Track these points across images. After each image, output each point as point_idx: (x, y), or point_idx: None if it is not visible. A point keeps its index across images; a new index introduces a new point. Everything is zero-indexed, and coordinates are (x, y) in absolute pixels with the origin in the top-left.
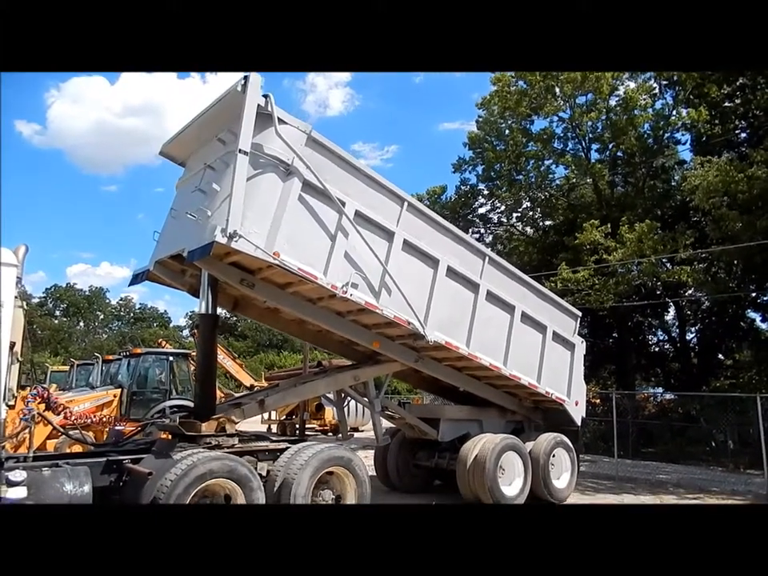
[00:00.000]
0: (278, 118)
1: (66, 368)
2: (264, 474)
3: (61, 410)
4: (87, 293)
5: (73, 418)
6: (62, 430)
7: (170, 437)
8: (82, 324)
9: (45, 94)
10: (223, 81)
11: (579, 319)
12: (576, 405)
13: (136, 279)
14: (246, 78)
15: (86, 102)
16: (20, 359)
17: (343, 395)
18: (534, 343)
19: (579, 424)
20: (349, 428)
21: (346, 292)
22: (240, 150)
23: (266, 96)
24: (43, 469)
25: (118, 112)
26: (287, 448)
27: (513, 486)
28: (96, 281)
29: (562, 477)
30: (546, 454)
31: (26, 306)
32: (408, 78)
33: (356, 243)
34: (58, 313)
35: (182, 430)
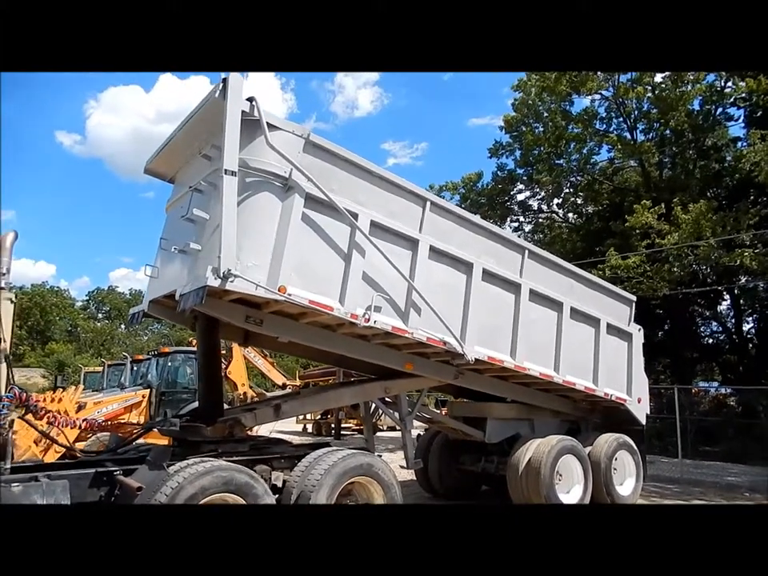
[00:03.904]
0: (268, 124)
1: (100, 369)
2: (279, 484)
3: (44, 413)
4: (128, 296)
5: (56, 422)
6: (43, 433)
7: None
8: (123, 326)
9: (83, 105)
10: (257, 80)
11: (634, 304)
12: (639, 402)
13: (132, 319)
14: (224, 80)
15: (122, 111)
16: (9, 356)
17: (372, 408)
18: (587, 340)
19: (644, 423)
20: (386, 427)
21: (368, 319)
22: (226, 170)
23: (250, 99)
24: (13, 484)
25: (152, 118)
26: (306, 454)
27: (572, 493)
28: (137, 284)
29: (625, 482)
30: (607, 458)
31: (14, 299)
32: (436, 74)
33: (374, 260)
34: (100, 315)
35: (183, 435)
